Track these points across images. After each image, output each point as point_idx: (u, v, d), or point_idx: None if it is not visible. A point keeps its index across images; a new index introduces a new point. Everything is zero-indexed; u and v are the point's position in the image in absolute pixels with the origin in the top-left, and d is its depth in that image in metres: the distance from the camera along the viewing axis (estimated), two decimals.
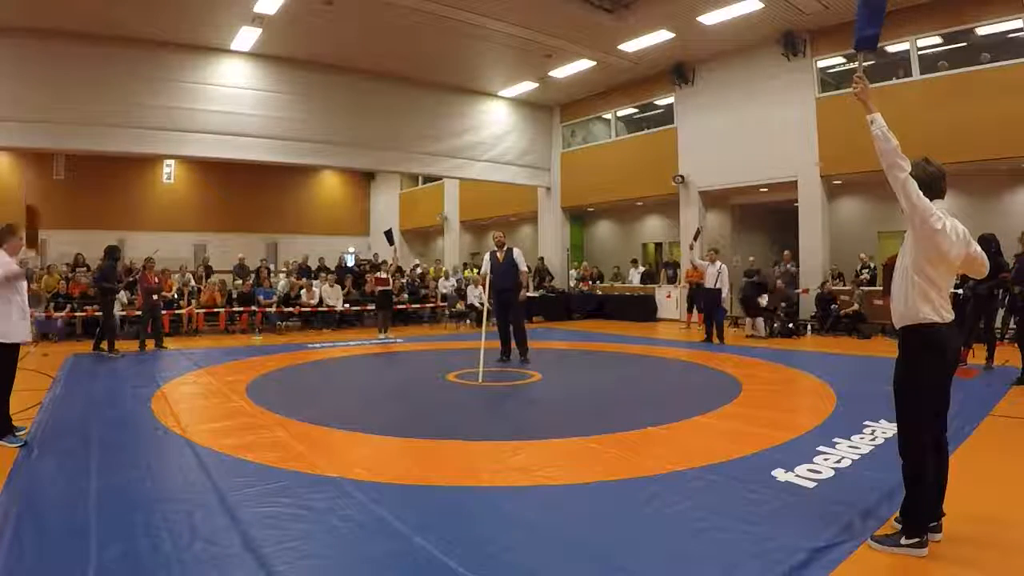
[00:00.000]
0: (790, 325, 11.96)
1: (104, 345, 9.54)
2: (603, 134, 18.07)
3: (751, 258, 14.43)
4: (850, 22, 11.96)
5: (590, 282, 17.86)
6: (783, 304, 12.30)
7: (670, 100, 15.83)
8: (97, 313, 12.00)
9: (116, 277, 10.14)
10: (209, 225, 20.89)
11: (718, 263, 10.94)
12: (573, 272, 18.63)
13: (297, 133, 14.30)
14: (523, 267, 8.33)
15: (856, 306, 11.71)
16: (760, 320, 11.97)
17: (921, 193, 2.66)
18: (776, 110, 13.37)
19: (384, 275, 12.67)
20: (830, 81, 13.25)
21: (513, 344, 8.63)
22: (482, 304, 14.96)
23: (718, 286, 10.78)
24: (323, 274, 14.66)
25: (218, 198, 21.01)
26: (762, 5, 11.61)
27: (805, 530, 2.86)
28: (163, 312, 11.41)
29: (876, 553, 2.68)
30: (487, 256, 8.81)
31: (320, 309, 13.69)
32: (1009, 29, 10.69)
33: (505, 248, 8.49)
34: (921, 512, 2.66)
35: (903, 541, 2.65)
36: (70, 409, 5.69)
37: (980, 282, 7.45)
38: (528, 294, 8.74)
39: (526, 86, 16.84)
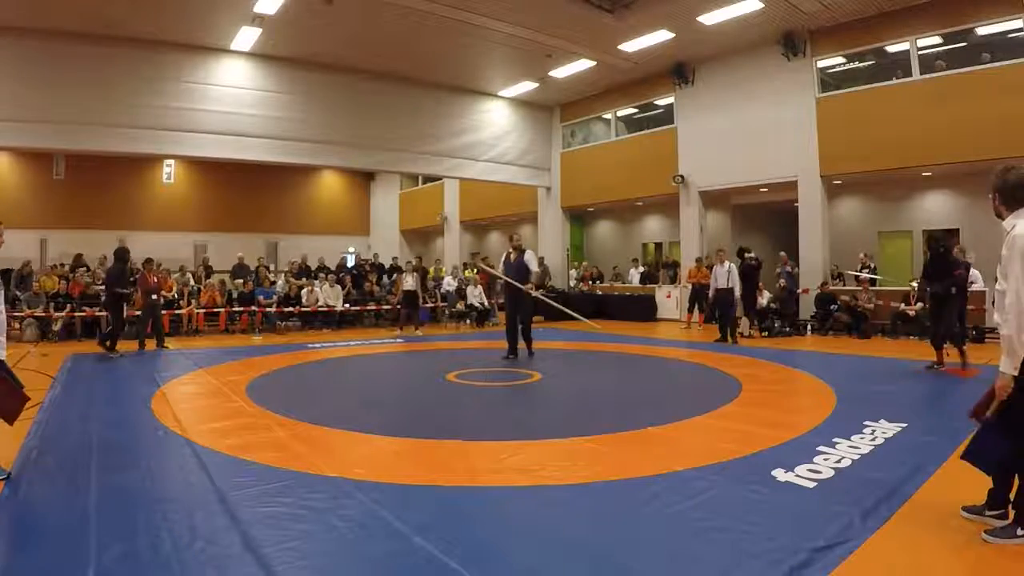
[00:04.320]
0: (787, 328, 11.96)
1: (107, 343, 9.50)
2: (603, 134, 18.06)
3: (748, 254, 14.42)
4: (849, 22, 12.11)
5: (590, 282, 17.87)
6: (782, 285, 12.30)
7: (670, 100, 15.83)
8: (99, 314, 12.04)
9: (127, 279, 10.05)
10: (209, 225, 20.88)
11: (727, 263, 10.90)
12: (573, 272, 18.62)
13: (297, 133, 14.31)
14: (534, 267, 8.78)
15: (871, 305, 11.69)
16: (745, 320, 11.92)
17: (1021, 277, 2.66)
18: (776, 110, 13.37)
19: (409, 280, 12.98)
20: (830, 81, 13.25)
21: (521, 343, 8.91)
22: (482, 304, 15.08)
23: (729, 286, 10.76)
24: (322, 274, 14.65)
25: (218, 198, 20.99)
26: (762, 5, 11.61)
27: (805, 530, 2.86)
28: (163, 312, 11.40)
29: (877, 553, 2.68)
30: (503, 256, 9.27)
31: (320, 309, 13.70)
32: (1009, 29, 10.69)
33: (520, 250, 8.88)
34: None
35: (1020, 532, 2.69)
36: (70, 409, 5.69)
37: (935, 282, 7.35)
38: (536, 294, 9.16)
39: (526, 86, 16.84)
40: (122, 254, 9.82)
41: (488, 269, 11.14)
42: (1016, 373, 2.65)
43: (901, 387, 6.61)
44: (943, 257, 7.48)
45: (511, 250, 9.02)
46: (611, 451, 4.28)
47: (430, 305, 15.69)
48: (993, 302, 2.92)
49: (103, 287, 10.27)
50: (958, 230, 12.75)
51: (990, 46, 11.04)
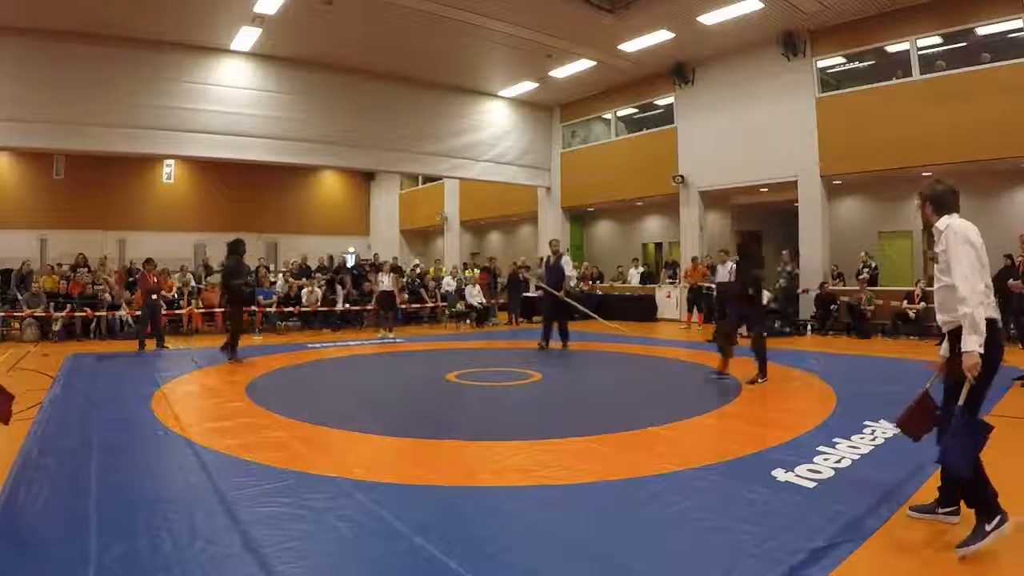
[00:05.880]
0: (787, 328, 11.96)
1: (230, 347, 8.67)
2: (603, 134, 18.07)
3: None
4: (849, 22, 12.11)
5: (590, 282, 17.85)
6: (782, 285, 12.34)
7: (670, 100, 15.83)
8: (99, 314, 12.03)
9: (244, 273, 9.28)
10: (209, 225, 20.87)
11: (728, 263, 10.91)
12: (574, 272, 18.58)
13: (297, 133, 14.31)
14: (569, 271, 9.98)
15: (871, 307, 11.70)
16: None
17: (965, 262, 2.80)
18: (776, 110, 13.37)
19: (385, 280, 12.79)
20: (830, 81, 13.25)
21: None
22: (481, 304, 15.08)
23: None
24: (319, 274, 14.63)
25: (218, 198, 20.98)
26: (762, 5, 11.61)
27: (805, 530, 2.86)
28: (163, 312, 11.38)
29: (876, 553, 2.68)
30: (544, 259, 10.71)
31: (320, 309, 13.69)
32: (1009, 29, 10.69)
33: (558, 254, 10.01)
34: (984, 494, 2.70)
35: (988, 527, 2.64)
36: (70, 409, 5.69)
37: (737, 283, 7.08)
38: (560, 295, 9.91)
39: (526, 86, 16.84)
40: (236, 246, 8.93)
41: (528, 276, 12.65)
42: (982, 349, 2.68)
43: (901, 387, 6.58)
44: (749, 255, 7.21)
45: (551, 254, 10.03)
46: (611, 451, 4.28)
47: (431, 305, 15.69)
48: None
49: (222, 284, 9.12)
50: None
51: (990, 46, 11.03)
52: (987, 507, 2.67)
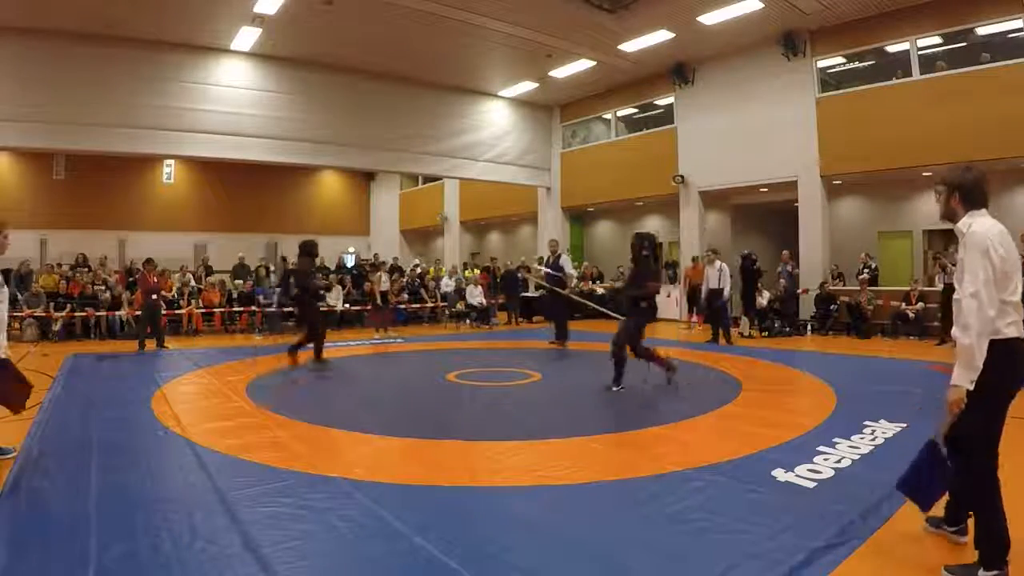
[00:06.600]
0: (787, 328, 11.97)
1: (318, 356, 8.30)
2: (603, 134, 18.06)
3: (745, 252, 14.39)
4: (849, 22, 12.10)
5: (590, 282, 17.84)
6: (783, 286, 12.38)
7: (670, 100, 15.82)
8: (99, 314, 12.03)
9: (314, 275, 8.85)
10: (209, 225, 20.87)
11: (718, 263, 10.94)
12: (574, 271, 18.58)
13: (297, 133, 14.30)
14: (568, 270, 10.41)
15: (871, 306, 11.72)
16: (745, 319, 12.01)
17: (981, 277, 2.36)
18: (776, 110, 13.36)
19: (384, 279, 12.91)
20: (830, 81, 13.25)
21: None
22: (481, 304, 15.08)
23: (720, 286, 10.79)
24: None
25: (218, 198, 20.99)
26: (762, 5, 11.60)
27: (805, 530, 2.86)
28: (163, 312, 11.38)
29: (876, 553, 2.68)
30: (546, 258, 11.07)
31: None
32: (1009, 29, 10.69)
33: (556, 254, 10.48)
34: (994, 540, 2.42)
35: (981, 573, 2.39)
36: (70, 409, 5.69)
37: (630, 288, 6.54)
38: (565, 292, 10.28)
39: (526, 86, 16.83)
40: (310, 247, 8.49)
41: (529, 275, 13.19)
42: (971, 386, 2.35)
43: (901, 387, 6.60)
44: (644, 261, 6.52)
45: (550, 254, 10.50)
46: (611, 451, 4.29)
47: (431, 305, 15.69)
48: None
49: (296, 287, 8.52)
50: None
51: (990, 46, 11.03)
52: (992, 554, 2.40)
